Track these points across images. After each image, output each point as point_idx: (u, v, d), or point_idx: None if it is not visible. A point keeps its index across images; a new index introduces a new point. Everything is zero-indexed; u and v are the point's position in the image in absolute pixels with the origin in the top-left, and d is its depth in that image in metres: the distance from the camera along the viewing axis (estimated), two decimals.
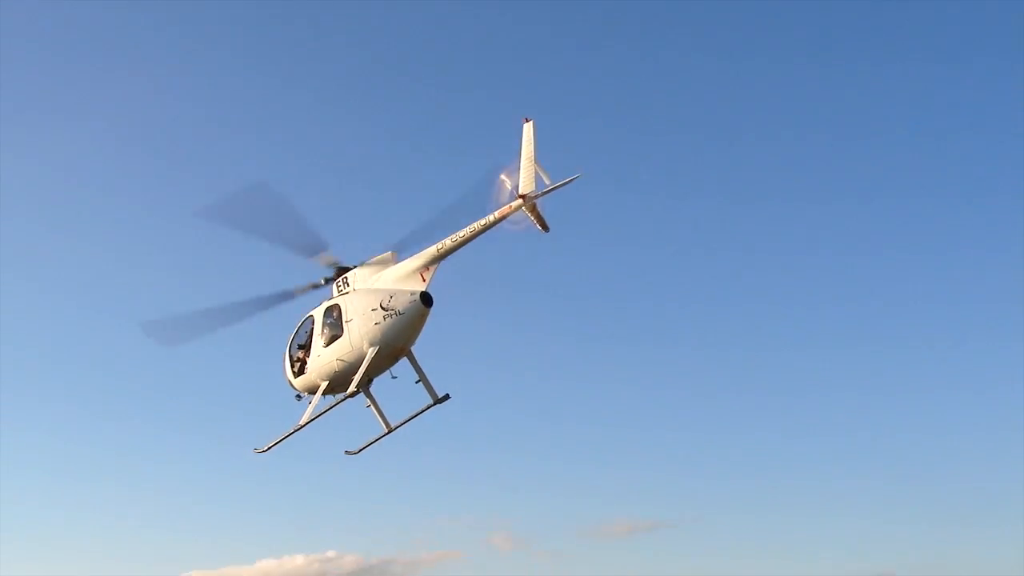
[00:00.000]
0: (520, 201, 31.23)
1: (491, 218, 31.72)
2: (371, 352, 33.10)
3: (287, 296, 35.71)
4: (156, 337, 37.03)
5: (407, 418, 35.45)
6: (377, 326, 33.04)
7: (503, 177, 31.32)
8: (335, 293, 35.02)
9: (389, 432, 35.63)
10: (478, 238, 32.31)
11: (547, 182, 31.47)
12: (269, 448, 34.79)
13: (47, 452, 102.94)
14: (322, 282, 35.50)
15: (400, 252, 33.90)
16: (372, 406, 35.56)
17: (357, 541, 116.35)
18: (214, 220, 34.31)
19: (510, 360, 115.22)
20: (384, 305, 33.01)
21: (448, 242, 32.51)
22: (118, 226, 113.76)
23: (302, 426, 34.16)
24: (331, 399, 34.36)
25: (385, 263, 34.19)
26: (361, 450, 36.08)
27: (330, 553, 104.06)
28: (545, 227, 31.58)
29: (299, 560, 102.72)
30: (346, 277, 34.88)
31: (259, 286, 35.71)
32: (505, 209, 31.49)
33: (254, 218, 32.86)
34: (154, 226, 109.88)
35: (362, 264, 34.74)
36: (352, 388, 33.35)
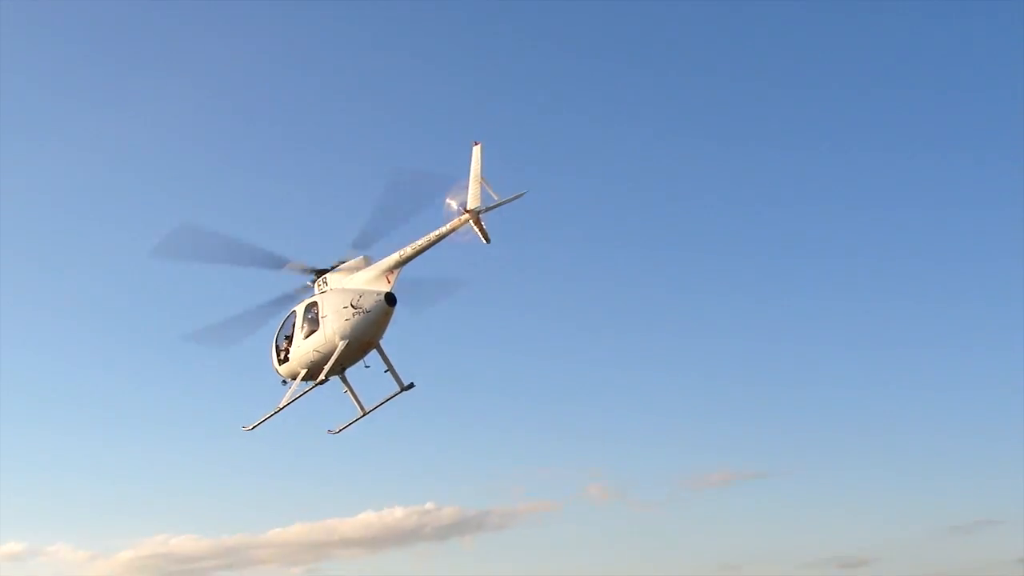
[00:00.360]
0: (467, 216, 35.23)
1: (443, 230, 35.85)
2: (342, 344, 37.52)
3: (288, 298, 40.34)
4: (208, 342, 41.52)
5: (378, 403, 39.91)
6: (347, 322, 37.44)
7: (449, 201, 35.32)
8: (316, 291, 39.53)
9: (364, 415, 40.12)
10: (433, 247, 36.49)
11: (495, 198, 35.45)
12: (255, 426, 39.60)
13: (173, 411, 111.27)
14: (310, 284, 39.97)
15: (360, 250, 38.39)
16: (349, 392, 40.11)
17: (455, 493, 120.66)
18: (171, 257, 38.79)
19: (606, 312, 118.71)
20: (354, 303, 37.39)
21: (408, 250, 36.77)
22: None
23: (281, 408, 38.92)
24: (308, 385, 38.90)
25: (358, 266, 38.53)
26: (342, 430, 40.65)
27: (428, 505, 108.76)
28: (487, 239, 35.39)
29: (398, 512, 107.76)
30: (325, 278, 39.34)
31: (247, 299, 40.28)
32: (455, 222, 35.54)
33: (206, 249, 37.43)
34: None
35: (339, 267, 39.12)
36: (321, 376, 37.86)
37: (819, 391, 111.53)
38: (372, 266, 37.87)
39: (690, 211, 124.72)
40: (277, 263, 38.49)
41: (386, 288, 37.20)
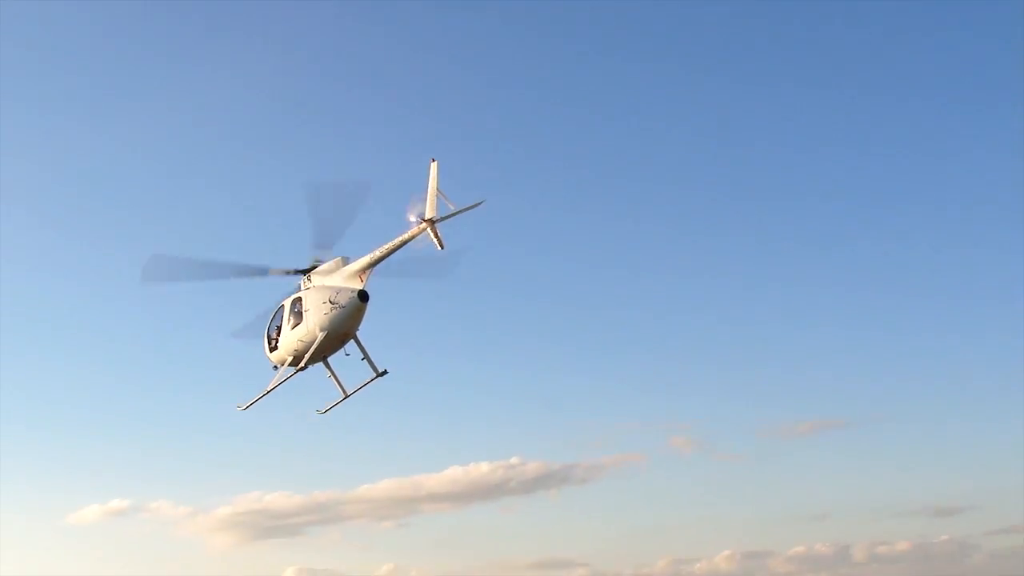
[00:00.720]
0: (425, 224, 40.02)
1: (405, 237, 40.68)
2: (321, 336, 42.64)
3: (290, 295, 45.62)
4: (249, 337, 46.99)
5: (357, 387, 44.99)
6: (326, 315, 42.55)
7: (410, 218, 40.11)
8: (302, 287, 44.70)
9: (346, 397, 45.24)
10: (399, 251, 41.36)
11: (451, 207, 40.16)
12: (248, 406, 45.06)
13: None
14: (301, 284, 45.12)
15: (322, 251, 43.72)
16: (332, 377, 45.29)
17: (540, 448, 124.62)
18: (159, 281, 44.13)
19: (685, 264, 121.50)
20: (331, 300, 42.47)
21: (377, 253, 41.70)
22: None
23: (269, 390, 44.33)
24: (292, 370, 44.16)
25: (336, 266, 43.60)
26: (328, 410, 45.87)
27: (514, 460, 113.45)
28: (441, 245, 40.15)
29: (484, 467, 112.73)
30: (310, 276, 44.46)
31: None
32: (415, 230, 40.36)
33: (190, 270, 42.85)
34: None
35: (320, 266, 44.17)
36: (301, 364, 43.07)
37: (904, 338, 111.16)
38: (348, 266, 42.92)
39: (749, 156, 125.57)
40: (261, 271, 43.84)
41: (359, 286, 42.18)
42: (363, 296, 42.08)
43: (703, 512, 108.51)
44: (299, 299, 44.04)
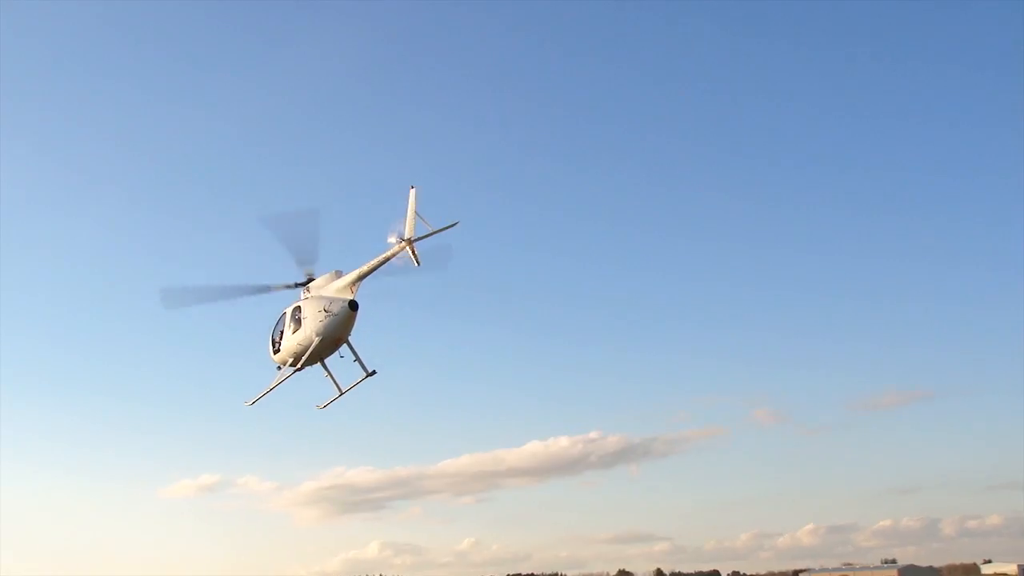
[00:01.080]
0: (404, 244, 45.55)
1: (387, 254, 46.38)
2: (316, 340, 48.46)
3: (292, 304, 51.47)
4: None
5: (351, 386, 50.68)
6: (321, 322, 48.34)
7: (391, 239, 45.55)
8: (302, 296, 50.48)
9: (341, 394, 51.03)
10: (384, 266, 46.92)
11: (428, 228, 45.63)
12: (255, 401, 50.96)
13: None
14: (302, 294, 50.84)
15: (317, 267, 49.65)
16: (329, 376, 51.04)
17: (620, 422, 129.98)
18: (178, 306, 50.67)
19: (764, 236, 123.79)
20: (325, 308, 48.26)
21: (364, 268, 47.49)
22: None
23: (272, 388, 50.26)
24: (291, 370, 49.94)
25: (331, 279, 49.34)
26: (327, 405, 51.62)
27: (593, 434, 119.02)
28: (418, 262, 45.60)
29: (564, 442, 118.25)
30: (308, 287, 50.23)
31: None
32: (396, 248, 45.99)
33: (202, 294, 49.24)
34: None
35: (317, 279, 49.88)
36: (298, 365, 48.84)
37: (995, 310, 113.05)
38: (341, 279, 48.73)
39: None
40: (264, 289, 49.69)
41: (350, 296, 47.92)
42: (353, 306, 47.79)
43: (786, 485, 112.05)
44: (299, 307, 49.91)
